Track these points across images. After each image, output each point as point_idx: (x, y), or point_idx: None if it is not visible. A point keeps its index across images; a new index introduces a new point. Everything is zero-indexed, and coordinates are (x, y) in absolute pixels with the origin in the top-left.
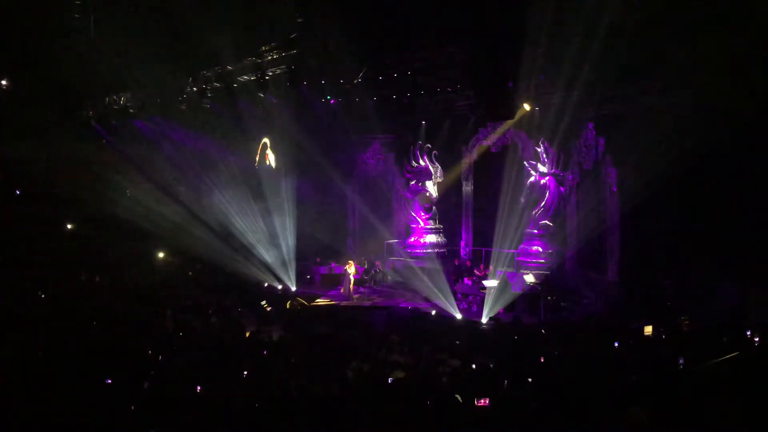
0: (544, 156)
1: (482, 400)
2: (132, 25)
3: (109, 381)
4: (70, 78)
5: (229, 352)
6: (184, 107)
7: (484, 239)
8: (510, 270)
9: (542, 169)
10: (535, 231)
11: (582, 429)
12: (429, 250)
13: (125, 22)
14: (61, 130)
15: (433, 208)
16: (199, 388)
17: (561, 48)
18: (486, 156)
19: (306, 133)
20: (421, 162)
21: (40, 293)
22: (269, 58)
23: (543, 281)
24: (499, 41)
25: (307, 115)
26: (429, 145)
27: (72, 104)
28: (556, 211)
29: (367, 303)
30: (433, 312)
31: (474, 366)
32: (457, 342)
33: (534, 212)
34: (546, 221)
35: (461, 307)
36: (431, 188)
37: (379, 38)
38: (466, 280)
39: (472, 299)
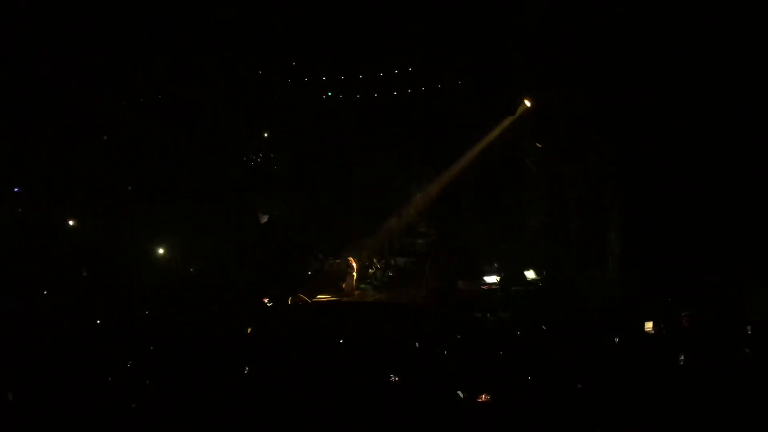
0: (544, 152)
1: (483, 396)
2: None
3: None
4: None
5: (229, 348)
6: None
7: (485, 235)
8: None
9: (541, 165)
10: (535, 227)
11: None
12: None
13: None
14: None
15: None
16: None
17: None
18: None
19: None
20: None
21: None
22: None
23: (542, 277)
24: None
25: None
26: None
27: None
28: (555, 207)
29: (369, 299)
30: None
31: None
32: (458, 337)
33: (533, 208)
34: (545, 218)
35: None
36: None
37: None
38: (466, 276)
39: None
